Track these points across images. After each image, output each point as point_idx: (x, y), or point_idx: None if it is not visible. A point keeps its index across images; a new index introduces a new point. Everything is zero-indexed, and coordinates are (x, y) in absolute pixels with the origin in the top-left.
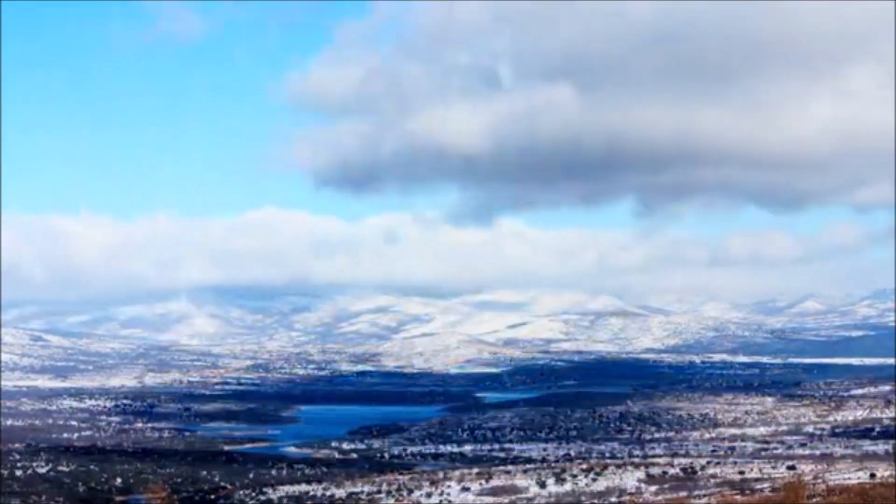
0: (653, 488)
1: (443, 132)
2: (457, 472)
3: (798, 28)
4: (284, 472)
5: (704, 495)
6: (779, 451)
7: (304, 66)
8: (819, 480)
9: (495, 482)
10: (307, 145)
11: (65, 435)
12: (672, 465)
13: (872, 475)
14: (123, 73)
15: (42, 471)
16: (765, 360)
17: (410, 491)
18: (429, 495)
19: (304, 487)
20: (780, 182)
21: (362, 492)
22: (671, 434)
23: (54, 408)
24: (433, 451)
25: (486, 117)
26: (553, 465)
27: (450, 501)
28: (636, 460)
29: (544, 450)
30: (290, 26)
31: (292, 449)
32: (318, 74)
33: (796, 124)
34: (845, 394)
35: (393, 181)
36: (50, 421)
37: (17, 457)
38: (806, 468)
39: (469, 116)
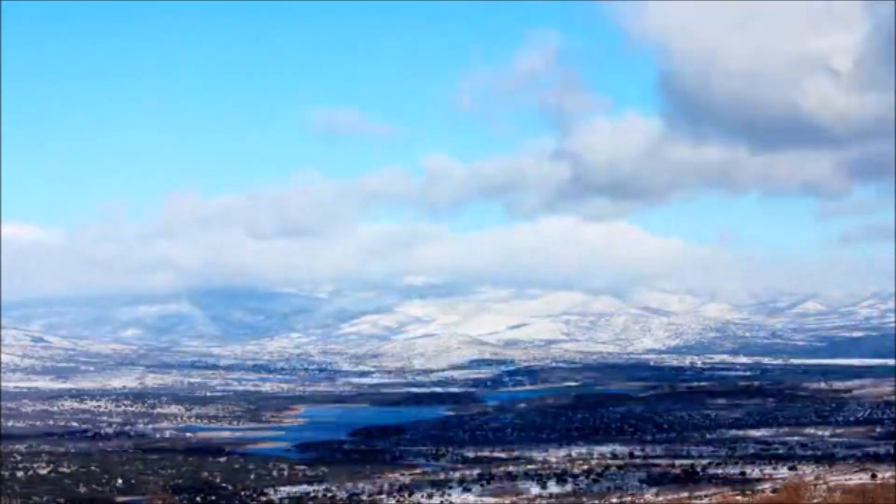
0: (654, 489)
1: None
2: (458, 473)
3: None
4: (286, 472)
5: (705, 496)
6: (780, 451)
7: None
8: (820, 481)
9: (496, 483)
10: None
11: (65, 436)
12: (673, 466)
13: (873, 476)
14: None
15: (43, 472)
16: (766, 360)
17: (412, 492)
18: (430, 496)
19: (305, 488)
20: None
21: (363, 492)
22: (672, 435)
23: (55, 409)
24: (434, 451)
25: None
26: (554, 465)
27: (451, 502)
28: (637, 461)
29: (545, 450)
30: None
31: (293, 450)
32: None
33: None
34: (846, 394)
35: None
36: (51, 422)
37: (19, 458)
38: (807, 469)
39: None
